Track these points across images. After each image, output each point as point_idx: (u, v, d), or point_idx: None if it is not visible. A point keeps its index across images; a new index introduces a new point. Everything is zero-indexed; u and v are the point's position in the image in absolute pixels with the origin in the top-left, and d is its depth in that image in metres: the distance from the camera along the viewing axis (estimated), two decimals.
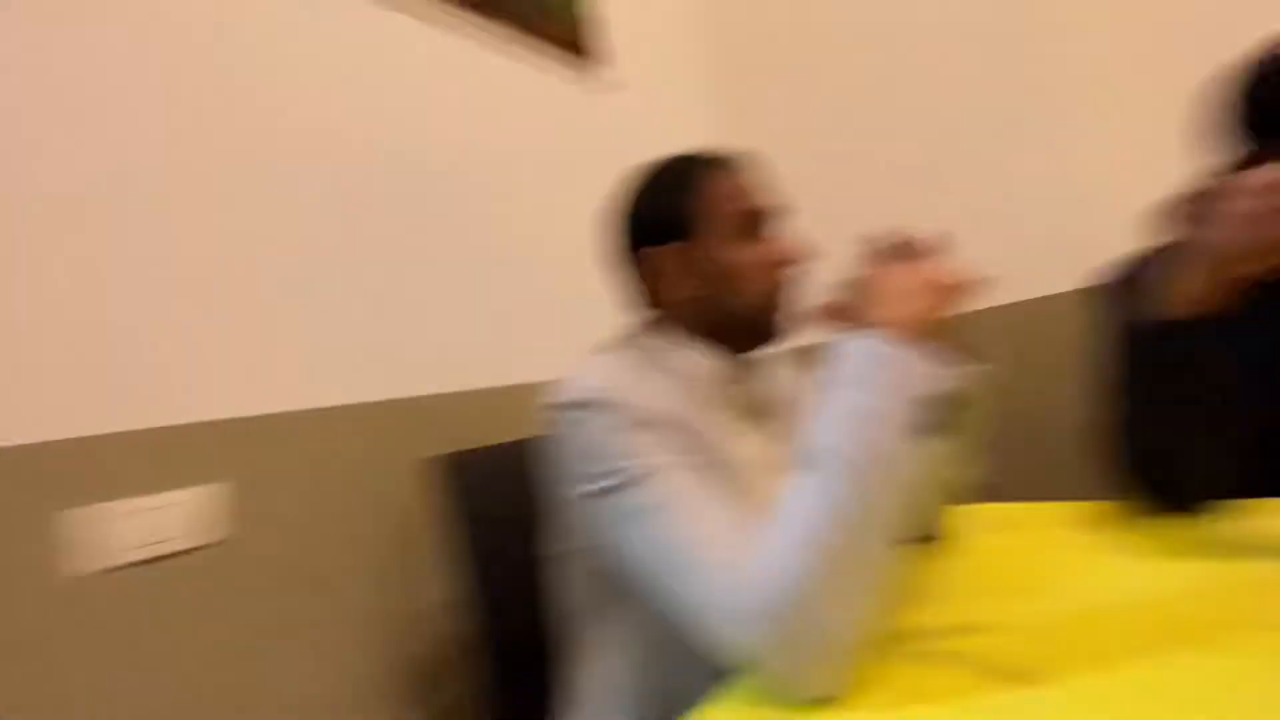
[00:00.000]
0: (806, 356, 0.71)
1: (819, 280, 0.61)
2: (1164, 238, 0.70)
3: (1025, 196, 1.42)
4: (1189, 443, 0.62)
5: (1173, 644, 0.38)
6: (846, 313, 0.51)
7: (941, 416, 0.44)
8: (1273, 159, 0.87)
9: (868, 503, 0.41)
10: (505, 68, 1.24)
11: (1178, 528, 0.60)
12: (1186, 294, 0.58)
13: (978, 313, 1.63)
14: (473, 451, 0.81)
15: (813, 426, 0.45)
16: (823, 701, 0.39)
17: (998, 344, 1.53)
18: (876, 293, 0.49)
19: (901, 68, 1.54)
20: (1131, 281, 0.79)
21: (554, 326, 1.22)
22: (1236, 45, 0.73)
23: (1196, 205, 0.61)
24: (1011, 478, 1.47)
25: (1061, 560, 0.59)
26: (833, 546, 0.41)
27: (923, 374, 0.44)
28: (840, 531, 0.41)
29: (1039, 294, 1.51)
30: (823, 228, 0.93)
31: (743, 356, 0.66)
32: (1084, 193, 1.36)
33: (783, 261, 0.64)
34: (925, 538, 0.62)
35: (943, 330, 0.48)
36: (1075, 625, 0.44)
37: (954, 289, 0.49)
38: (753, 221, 0.64)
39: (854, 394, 0.44)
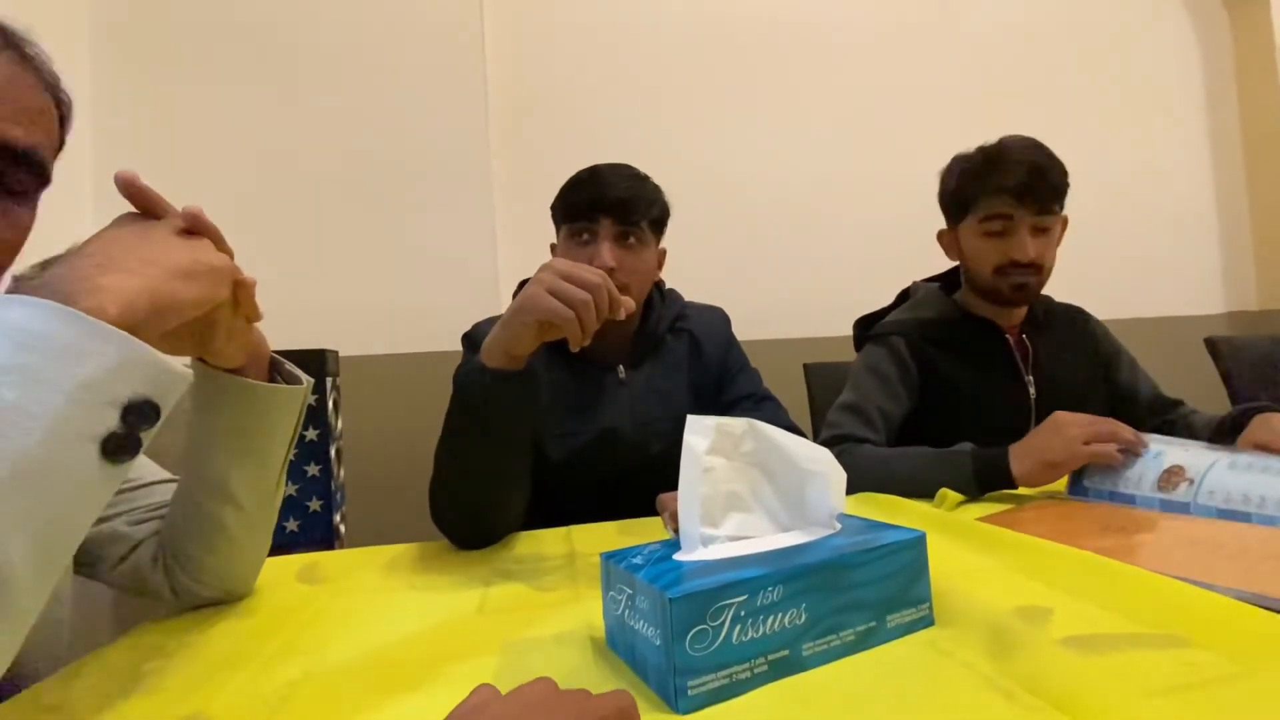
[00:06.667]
0: None
1: None
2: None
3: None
4: (484, 490, 0.66)
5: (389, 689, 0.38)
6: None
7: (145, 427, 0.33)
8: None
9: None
10: None
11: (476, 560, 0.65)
12: (502, 347, 0.61)
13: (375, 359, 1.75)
14: None
15: None
16: None
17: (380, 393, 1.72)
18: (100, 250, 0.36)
19: None
20: (470, 339, 0.90)
21: None
22: None
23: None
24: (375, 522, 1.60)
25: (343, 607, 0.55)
26: None
27: (115, 364, 0.31)
28: None
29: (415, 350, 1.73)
30: None
31: None
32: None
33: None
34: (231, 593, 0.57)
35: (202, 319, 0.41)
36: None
37: (228, 277, 0.41)
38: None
39: None
